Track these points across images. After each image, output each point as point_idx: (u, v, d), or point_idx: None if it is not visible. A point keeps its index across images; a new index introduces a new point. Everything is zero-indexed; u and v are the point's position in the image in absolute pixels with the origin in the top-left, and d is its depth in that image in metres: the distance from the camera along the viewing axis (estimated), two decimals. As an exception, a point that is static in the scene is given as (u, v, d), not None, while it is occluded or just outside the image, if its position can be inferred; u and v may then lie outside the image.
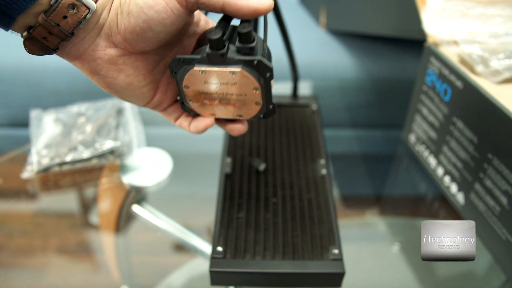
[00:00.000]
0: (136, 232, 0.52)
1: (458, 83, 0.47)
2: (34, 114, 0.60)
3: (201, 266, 0.48)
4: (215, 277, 0.38)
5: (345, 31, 0.86)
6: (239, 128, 0.36)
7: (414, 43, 0.71)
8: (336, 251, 0.38)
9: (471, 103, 0.46)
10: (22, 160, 0.56)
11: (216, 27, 0.30)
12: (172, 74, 0.31)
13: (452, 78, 0.48)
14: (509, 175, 0.41)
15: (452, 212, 0.52)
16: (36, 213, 0.55)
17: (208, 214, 0.45)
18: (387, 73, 0.81)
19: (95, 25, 0.29)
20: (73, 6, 0.27)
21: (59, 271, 0.48)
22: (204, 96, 0.32)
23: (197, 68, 0.30)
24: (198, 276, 0.47)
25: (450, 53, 0.50)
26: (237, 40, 0.29)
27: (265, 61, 0.29)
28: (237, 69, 0.29)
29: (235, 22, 0.31)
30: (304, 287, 0.38)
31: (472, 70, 0.47)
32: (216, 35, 0.29)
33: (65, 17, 0.27)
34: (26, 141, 0.59)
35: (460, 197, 0.50)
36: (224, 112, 0.33)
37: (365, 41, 0.85)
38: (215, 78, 0.30)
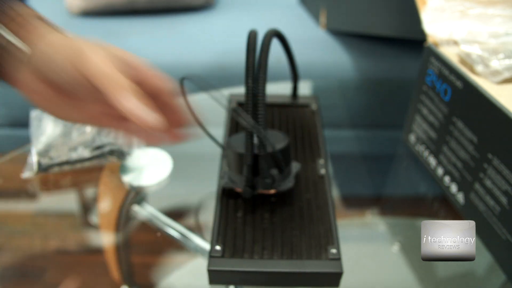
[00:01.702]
0: (136, 232, 0.52)
1: (458, 83, 0.47)
2: (34, 114, 0.60)
3: (201, 266, 0.48)
4: (213, 276, 0.38)
5: (345, 31, 0.86)
6: None
7: (414, 43, 0.71)
8: (334, 250, 0.38)
9: (471, 103, 0.46)
10: (22, 160, 0.56)
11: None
12: None
13: (452, 78, 0.48)
14: (509, 175, 0.41)
15: (452, 212, 0.52)
16: (36, 213, 0.55)
17: (208, 214, 0.45)
18: (387, 73, 0.81)
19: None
20: None
21: (59, 271, 0.48)
22: None
23: None
24: (198, 276, 0.47)
25: (450, 53, 0.50)
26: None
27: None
28: None
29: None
30: (302, 287, 0.38)
31: (472, 70, 0.47)
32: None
33: None
34: (26, 141, 0.59)
35: (460, 197, 0.50)
36: None
37: (365, 41, 0.85)
38: None
